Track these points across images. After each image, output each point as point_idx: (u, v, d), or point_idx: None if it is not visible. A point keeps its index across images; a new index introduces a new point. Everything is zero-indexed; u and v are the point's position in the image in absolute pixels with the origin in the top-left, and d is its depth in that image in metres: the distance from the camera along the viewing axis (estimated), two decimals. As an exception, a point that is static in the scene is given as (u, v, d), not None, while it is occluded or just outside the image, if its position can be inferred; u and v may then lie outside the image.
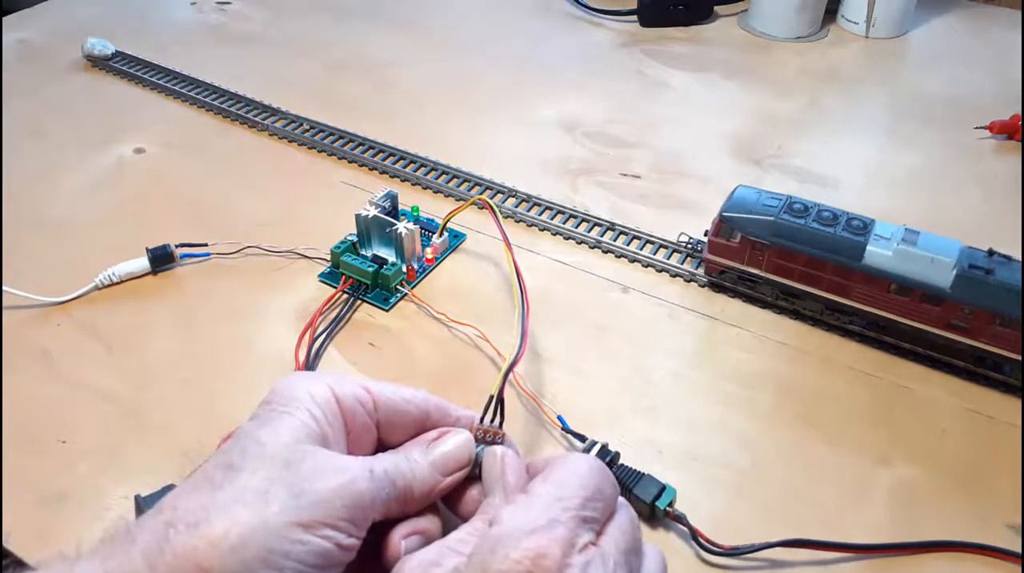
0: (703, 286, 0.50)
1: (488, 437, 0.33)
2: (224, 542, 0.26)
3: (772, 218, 0.47)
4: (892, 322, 0.46)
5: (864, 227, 0.46)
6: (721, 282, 0.50)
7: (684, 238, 0.53)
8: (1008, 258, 0.44)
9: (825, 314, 0.48)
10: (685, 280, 0.51)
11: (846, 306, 0.47)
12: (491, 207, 0.46)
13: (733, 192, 0.49)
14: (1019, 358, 0.43)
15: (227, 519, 0.26)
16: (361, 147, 0.62)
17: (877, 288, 0.45)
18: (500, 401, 0.34)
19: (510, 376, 0.35)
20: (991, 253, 0.44)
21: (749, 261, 0.48)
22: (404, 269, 0.50)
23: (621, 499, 0.30)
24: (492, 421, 0.34)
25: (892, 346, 0.46)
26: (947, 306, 0.44)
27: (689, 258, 0.53)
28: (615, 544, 0.28)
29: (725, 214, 0.48)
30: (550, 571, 0.26)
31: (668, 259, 0.52)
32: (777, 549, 0.36)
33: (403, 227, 0.49)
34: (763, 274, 0.48)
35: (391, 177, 0.60)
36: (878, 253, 0.45)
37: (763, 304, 0.50)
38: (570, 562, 0.26)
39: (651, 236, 0.54)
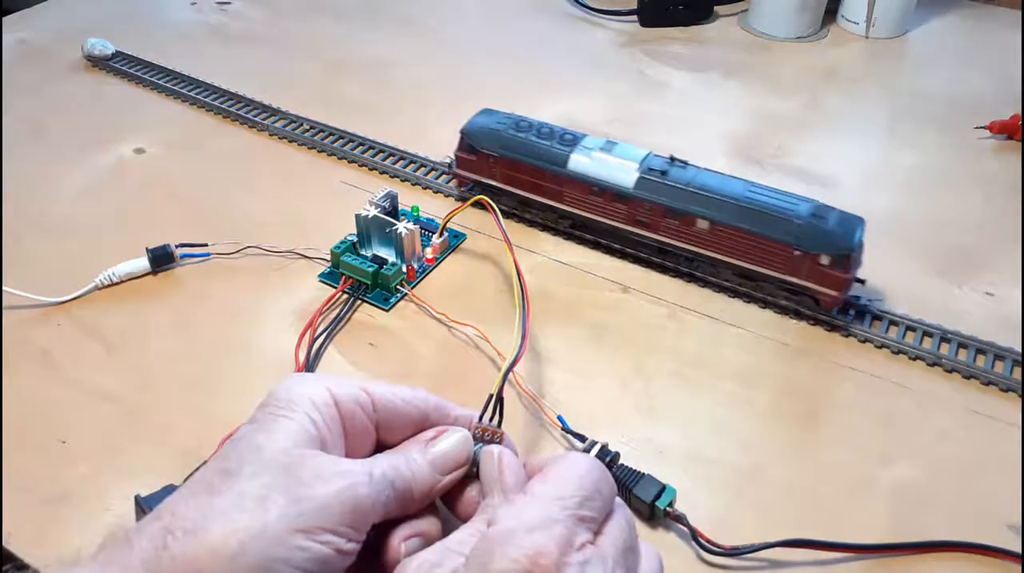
0: (660, 271, 0.50)
1: (487, 436, 0.33)
2: (223, 549, 0.26)
3: (501, 133, 0.53)
4: (594, 221, 0.52)
5: (574, 140, 0.52)
6: (469, 196, 0.54)
7: (447, 159, 0.58)
8: (685, 163, 0.50)
9: (553, 220, 0.54)
10: (685, 280, 0.51)
11: (562, 210, 0.53)
12: (491, 207, 0.46)
13: (476, 114, 0.56)
14: (700, 250, 0.49)
15: (226, 526, 0.26)
16: (361, 147, 0.62)
17: (581, 191, 0.51)
18: (499, 400, 0.34)
19: (510, 376, 0.35)
20: (672, 159, 0.50)
21: (487, 173, 0.55)
22: (404, 269, 0.50)
23: (617, 499, 0.31)
24: (491, 420, 0.34)
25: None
26: (632, 204, 0.50)
27: (444, 175, 0.59)
28: (613, 543, 0.28)
29: (464, 130, 0.55)
30: (548, 570, 0.26)
31: (668, 259, 0.52)
32: (777, 549, 0.36)
33: (403, 227, 0.49)
34: (499, 185, 0.55)
35: (391, 177, 0.60)
36: (579, 160, 0.51)
37: (512, 216, 0.55)
38: (568, 561, 0.26)
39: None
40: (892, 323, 0.47)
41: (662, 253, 0.51)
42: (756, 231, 0.47)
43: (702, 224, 0.48)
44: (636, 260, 0.52)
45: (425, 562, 0.28)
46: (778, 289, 0.48)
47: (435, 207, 0.56)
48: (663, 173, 0.49)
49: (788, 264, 0.47)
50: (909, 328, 0.47)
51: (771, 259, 0.47)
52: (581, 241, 0.54)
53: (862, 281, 0.49)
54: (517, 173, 0.53)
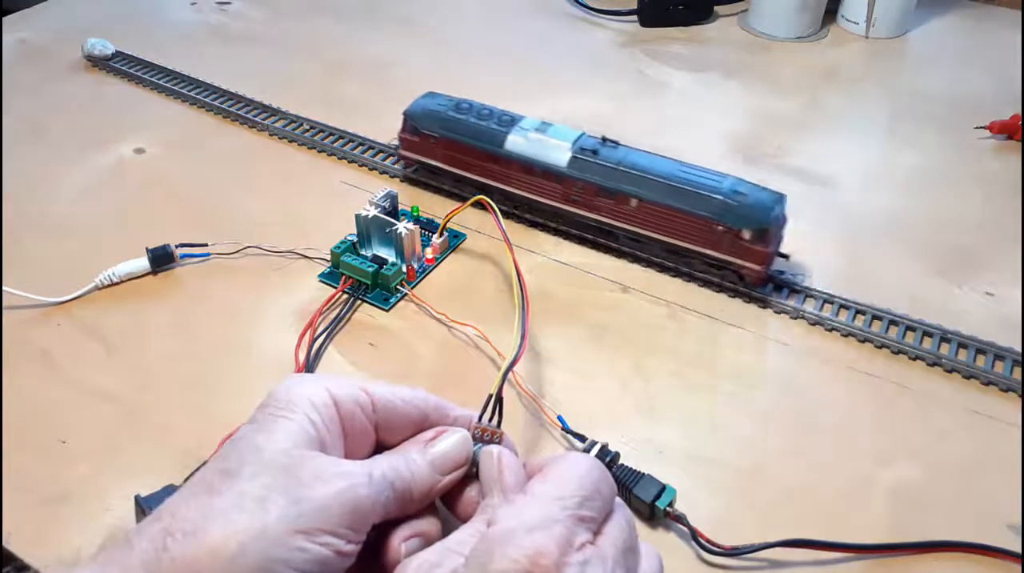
0: (660, 271, 0.50)
1: (486, 436, 0.33)
2: (223, 550, 0.26)
3: (442, 115, 0.55)
4: (531, 200, 0.54)
5: (512, 121, 0.54)
6: (416, 177, 0.59)
7: (395, 142, 0.59)
8: (616, 143, 0.52)
9: (504, 201, 0.55)
10: (685, 280, 0.51)
11: (501, 190, 0.55)
12: (491, 207, 0.46)
13: (420, 97, 0.57)
14: (630, 227, 0.51)
15: (226, 527, 0.26)
16: (361, 147, 0.62)
17: (518, 171, 0.53)
18: (499, 400, 0.34)
19: (510, 376, 0.35)
20: (604, 140, 0.52)
21: (429, 154, 0.56)
22: (404, 269, 0.50)
23: (617, 499, 0.30)
24: (491, 420, 0.34)
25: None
26: (565, 182, 0.52)
27: (397, 160, 0.61)
28: (613, 543, 0.28)
29: (406, 112, 0.56)
30: (548, 570, 0.26)
31: (668, 259, 0.52)
32: (777, 549, 0.36)
33: (403, 227, 0.49)
34: (440, 165, 0.56)
35: (391, 177, 0.60)
36: (516, 140, 0.53)
37: (454, 196, 0.57)
38: (568, 561, 0.26)
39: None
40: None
41: (599, 231, 0.53)
42: (681, 208, 0.48)
43: (631, 202, 0.50)
44: (636, 260, 0.52)
45: (425, 562, 0.28)
46: (705, 265, 0.50)
47: (435, 207, 0.56)
48: (594, 152, 0.51)
49: (712, 239, 0.48)
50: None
51: (697, 235, 0.49)
52: (581, 241, 0.54)
53: (786, 256, 0.50)
54: (457, 153, 0.55)
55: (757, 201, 0.48)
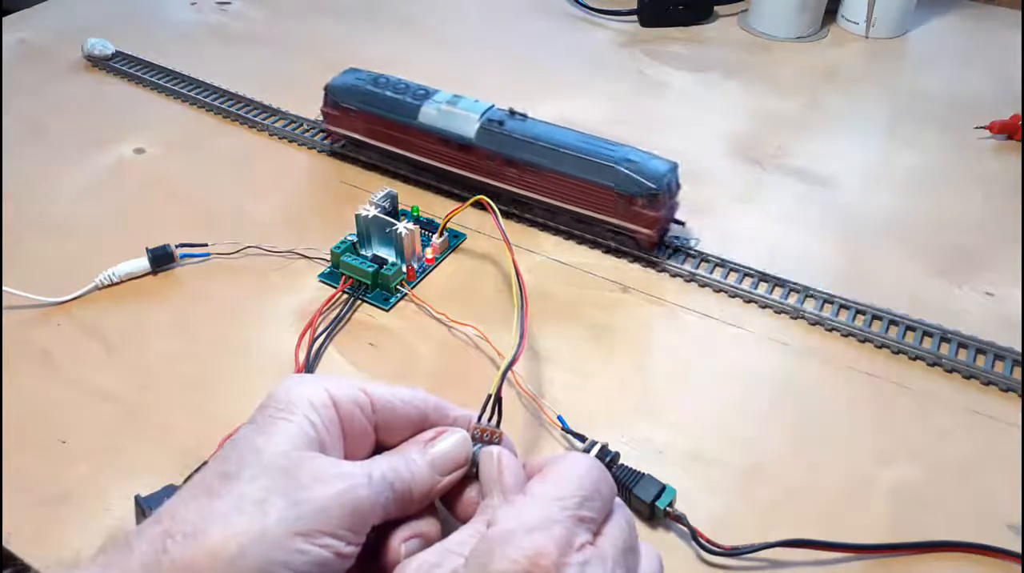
0: (660, 271, 0.50)
1: (486, 437, 0.33)
2: (223, 553, 0.26)
3: (360, 89, 0.57)
4: (444, 170, 0.56)
5: (426, 94, 0.56)
6: (344, 152, 0.61)
7: (320, 117, 0.61)
8: (524, 115, 0.54)
9: (411, 171, 0.58)
10: (685, 280, 0.51)
11: (416, 161, 0.57)
12: (491, 207, 0.46)
13: (341, 72, 0.59)
14: (534, 196, 0.53)
15: (225, 529, 0.26)
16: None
17: (430, 141, 0.55)
18: (498, 400, 0.34)
19: (510, 376, 0.35)
20: (512, 112, 0.54)
21: (350, 127, 0.58)
22: (404, 269, 0.50)
23: (617, 499, 0.30)
24: (490, 420, 0.34)
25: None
26: (474, 153, 0.54)
27: (319, 133, 0.63)
28: (612, 543, 0.28)
29: (327, 86, 0.58)
30: (548, 571, 0.26)
31: (668, 259, 0.52)
32: (777, 549, 0.36)
33: (403, 227, 0.49)
34: (361, 138, 0.58)
35: (391, 177, 0.60)
36: (428, 112, 0.55)
37: (377, 169, 0.59)
38: (568, 561, 0.26)
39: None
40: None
41: (510, 202, 0.55)
42: (579, 176, 0.51)
43: (534, 171, 0.52)
44: (635, 259, 0.52)
45: (424, 563, 0.28)
46: (605, 231, 0.52)
47: (435, 207, 0.56)
48: (501, 124, 0.53)
49: (609, 206, 0.51)
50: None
51: (595, 202, 0.51)
52: (581, 241, 0.54)
53: (681, 222, 0.54)
54: (376, 126, 0.57)
55: (648, 168, 0.50)
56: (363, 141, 0.59)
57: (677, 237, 0.53)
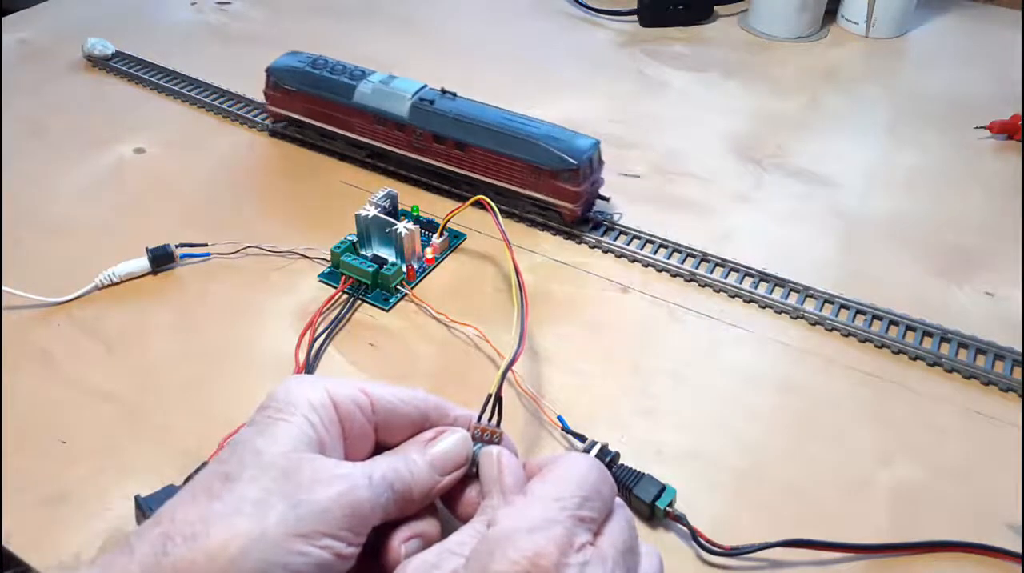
0: (660, 271, 0.50)
1: (486, 436, 0.33)
2: (222, 555, 0.26)
3: (300, 70, 0.59)
4: (379, 148, 0.58)
5: (362, 75, 0.58)
6: (284, 132, 0.63)
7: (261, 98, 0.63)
8: (454, 94, 0.55)
9: (348, 149, 0.60)
10: (685, 280, 0.51)
11: (354, 140, 0.59)
12: (491, 207, 0.46)
13: (282, 55, 0.61)
14: (464, 172, 0.55)
15: (225, 531, 0.26)
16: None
17: (366, 120, 0.57)
18: (498, 400, 0.34)
19: (510, 376, 0.35)
20: (443, 91, 0.56)
21: (290, 108, 0.60)
22: (404, 269, 0.50)
23: (617, 499, 0.30)
24: (490, 420, 0.34)
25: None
26: (406, 130, 0.56)
27: (260, 112, 0.65)
28: (612, 544, 0.28)
29: (268, 68, 0.60)
30: (548, 571, 0.26)
31: (668, 259, 0.52)
32: (777, 549, 0.36)
33: (403, 227, 0.49)
34: (301, 118, 0.60)
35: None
36: (363, 92, 0.57)
37: (317, 148, 0.61)
38: (568, 562, 0.26)
39: (651, 236, 0.53)
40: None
41: (441, 178, 0.57)
42: (504, 152, 0.53)
43: (463, 148, 0.54)
44: (634, 260, 0.52)
45: (424, 563, 0.28)
46: (531, 206, 0.54)
47: (435, 207, 0.56)
48: (432, 102, 0.55)
49: (532, 181, 0.53)
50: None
51: (520, 178, 0.53)
52: (581, 241, 0.54)
53: (606, 198, 0.55)
54: (315, 106, 0.59)
55: (570, 144, 0.52)
56: (303, 121, 0.61)
57: (601, 212, 0.55)
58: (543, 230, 0.55)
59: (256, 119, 0.65)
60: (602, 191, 0.55)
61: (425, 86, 0.56)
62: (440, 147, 0.55)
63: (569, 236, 0.54)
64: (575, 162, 0.51)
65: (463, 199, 0.53)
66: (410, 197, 0.54)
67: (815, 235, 0.55)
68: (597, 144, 0.53)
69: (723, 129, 0.66)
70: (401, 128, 0.56)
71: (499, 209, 0.52)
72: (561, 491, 0.28)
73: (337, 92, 0.57)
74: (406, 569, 0.28)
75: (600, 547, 0.28)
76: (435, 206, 0.56)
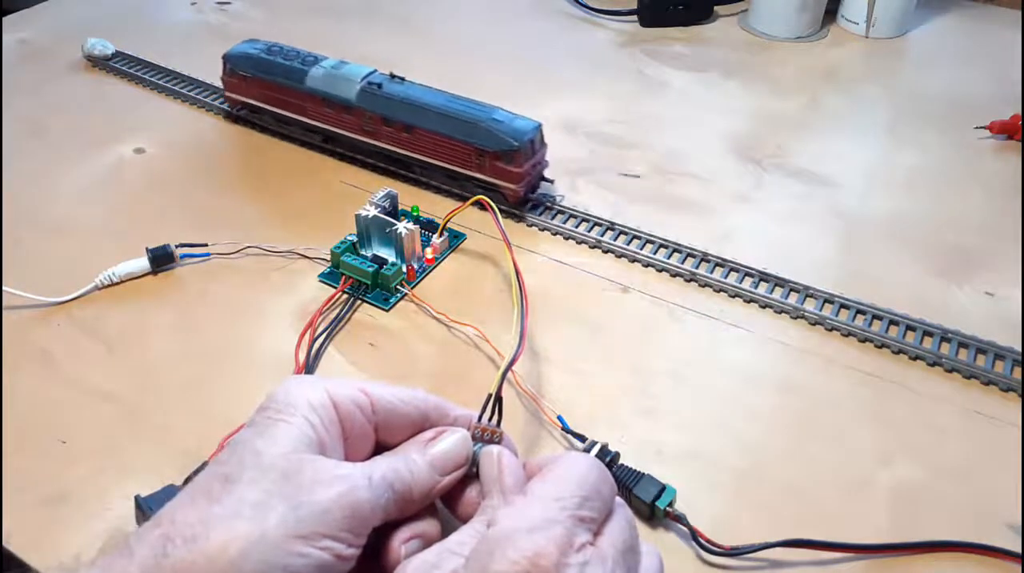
0: (660, 271, 0.51)
1: (486, 436, 0.33)
2: (222, 557, 0.26)
3: (255, 57, 0.61)
4: (331, 131, 0.60)
5: (315, 60, 0.59)
6: (245, 116, 0.65)
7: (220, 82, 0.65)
8: (402, 79, 0.57)
9: (303, 134, 0.62)
10: (685, 280, 0.51)
11: (307, 124, 0.60)
12: (491, 207, 0.46)
13: (240, 43, 0.63)
14: (412, 154, 0.57)
15: (225, 533, 0.26)
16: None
17: (318, 104, 0.59)
18: (498, 400, 0.34)
19: (509, 376, 0.35)
20: (392, 75, 0.57)
21: (247, 93, 0.62)
22: (404, 269, 0.50)
23: (618, 499, 0.30)
24: (490, 420, 0.34)
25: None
26: (356, 113, 0.57)
27: (219, 96, 0.67)
28: (613, 544, 0.28)
29: (225, 55, 0.62)
30: (548, 571, 0.26)
31: (668, 259, 0.52)
32: (777, 549, 0.36)
33: (403, 227, 0.49)
34: (258, 103, 0.62)
35: (391, 177, 0.60)
36: (315, 76, 0.58)
37: (273, 133, 0.63)
38: (568, 562, 0.26)
39: (651, 236, 0.54)
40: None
41: (391, 160, 0.59)
42: (449, 134, 0.54)
43: (410, 130, 0.56)
44: (635, 260, 0.52)
45: (424, 563, 0.28)
46: (475, 187, 0.55)
47: (435, 207, 0.56)
48: (380, 86, 0.56)
49: (477, 162, 0.54)
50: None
51: (465, 159, 0.55)
52: (581, 241, 0.54)
53: (550, 180, 0.57)
54: (270, 91, 0.61)
55: (511, 126, 0.53)
56: (259, 106, 0.62)
57: (545, 194, 0.57)
58: (482, 210, 0.55)
59: (256, 120, 0.65)
60: (547, 173, 0.57)
61: (375, 71, 0.58)
62: (388, 130, 0.57)
63: (513, 217, 0.56)
64: (516, 143, 0.53)
65: (415, 182, 0.57)
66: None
67: (815, 235, 0.55)
68: (539, 127, 0.54)
69: (723, 129, 0.66)
70: (350, 111, 0.58)
71: (445, 190, 0.56)
72: (561, 491, 0.28)
73: (289, 77, 0.59)
74: (406, 569, 0.28)
75: (600, 547, 0.28)
76: (435, 206, 0.56)
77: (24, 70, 0.73)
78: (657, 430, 0.42)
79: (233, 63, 0.62)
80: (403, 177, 0.59)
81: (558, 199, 0.57)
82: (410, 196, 0.57)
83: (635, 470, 0.38)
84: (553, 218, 0.55)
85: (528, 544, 0.26)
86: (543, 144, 0.55)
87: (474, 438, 0.33)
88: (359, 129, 0.58)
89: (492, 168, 0.54)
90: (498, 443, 0.33)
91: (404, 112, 0.55)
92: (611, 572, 0.27)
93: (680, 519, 0.37)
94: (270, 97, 0.61)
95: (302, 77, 0.59)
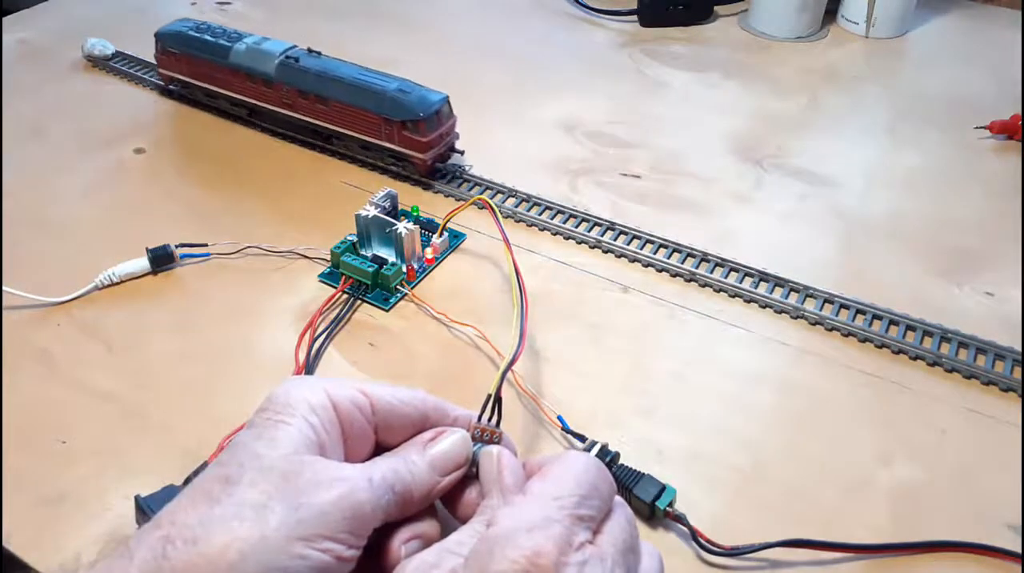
0: (660, 271, 0.50)
1: (485, 436, 0.33)
2: (222, 559, 0.25)
3: (183, 34, 0.63)
4: (254, 105, 0.62)
5: (239, 37, 0.62)
6: (179, 92, 0.68)
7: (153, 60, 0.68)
8: (319, 53, 0.60)
9: (231, 107, 0.65)
10: (685, 280, 0.51)
11: (233, 98, 0.63)
12: (491, 207, 0.46)
13: (172, 22, 0.66)
14: (328, 126, 0.59)
15: (226, 535, 0.26)
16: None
17: (241, 79, 0.61)
18: (498, 400, 0.34)
19: (510, 376, 0.35)
20: (309, 50, 0.60)
21: (177, 69, 0.65)
22: (404, 269, 0.50)
23: (618, 498, 0.30)
24: (490, 420, 0.34)
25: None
26: (275, 87, 0.60)
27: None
28: (612, 543, 0.28)
29: (156, 33, 0.65)
30: (547, 570, 0.26)
31: (668, 259, 0.52)
32: (777, 549, 0.36)
33: (403, 227, 0.49)
34: (187, 79, 0.65)
35: (391, 177, 0.60)
36: (238, 52, 0.61)
37: (204, 107, 0.66)
38: (567, 561, 0.26)
39: (651, 236, 0.53)
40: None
41: (310, 132, 0.61)
42: (359, 105, 0.57)
43: (325, 102, 0.58)
44: (635, 260, 0.52)
45: (423, 564, 0.28)
46: (388, 157, 0.58)
47: (435, 207, 0.56)
48: (297, 60, 0.59)
49: (387, 132, 0.57)
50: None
51: (375, 129, 0.57)
52: (581, 241, 0.54)
53: (460, 151, 0.59)
54: (199, 67, 0.64)
55: (417, 97, 0.56)
56: (189, 82, 0.65)
57: (456, 164, 0.59)
58: (401, 180, 0.59)
59: (255, 119, 0.65)
60: (455, 145, 0.59)
61: (294, 46, 0.60)
62: (305, 102, 0.59)
63: (423, 186, 0.59)
64: (421, 113, 0.55)
65: (334, 153, 0.61)
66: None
67: (815, 235, 0.55)
68: (445, 99, 0.57)
69: (723, 129, 0.66)
70: (270, 85, 0.60)
71: (360, 160, 0.58)
72: (559, 490, 0.28)
73: (215, 53, 0.62)
74: (405, 569, 0.28)
75: (599, 546, 0.28)
76: (435, 206, 0.56)
77: (24, 70, 0.73)
78: (657, 430, 0.42)
79: (164, 41, 0.65)
80: (404, 176, 0.59)
81: (467, 169, 0.59)
82: (412, 196, 0.57)
83: (635, 470, 0.38)
84: (459, 186, 0.58)
85: (527, 543, 0.26)
86: (451, 116, 0.58)
87: (473, 438, 0.33)
88: (279, 102, 0.61)
89: (400, 138, 0.56)
90: (497, 443, 0.33)
91: (319, 85, 0.58)
92: (610, 571, 0.27)
93: (680, 519, 0.37)
94: (199, 72, 0.64)
95: (226, 53, 0.61)
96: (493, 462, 0.31)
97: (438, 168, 0.59)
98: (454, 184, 0.58)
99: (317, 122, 0.59)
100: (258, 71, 0.60)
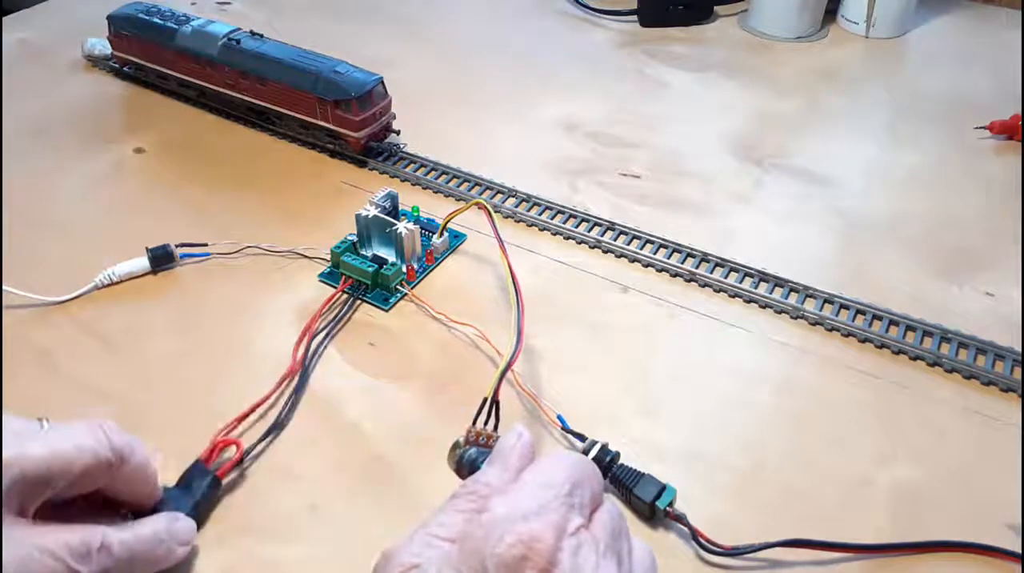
0: (660, 271, 0.50)
1: (481, 440, 0.33)
2: None
3: (134, 17, 0.66)
4: (200, 86, 0.65)
5: (186, 20, 0.64)
6: (134, 75, 0.70)
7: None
8: (261, 36, 0.62)
9: (179, 88, 0.67)
10: (685, 280, 0.51)
11: (180, 79, 0.65)
12: (487, 210, 0.46)
13: (124, 5, 0.68)
14: (268, 105, 0.61)
15: None
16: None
17: (188, 61, 0.64)
18: (495, 403, 0.34)
19: (509, 376, 0.35)
20: (252, 33, 0.62)
21: (129, 51, 0.68)
22: (404, 269, 0.50)
23: (606, 494, 0.31)
24: (486, 424, 0.34)
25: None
26: (218, 68, 0.62)
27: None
28: (603, 529, 0.29)
29: (108, 16, 0.67)
30: (543, 553, 0.26)
31: (668, 259, 0.52)
32: (777, 549, 0.36)
33: (403, 227, 0.49)
34: (140, 61, 0.67)
35: (391, 177, 0.60)
36: (183, 34, 0.63)
37: (157, 88, 0.69)
38: (562, 545, 0.27)
39: (651, 236, 0.53)
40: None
41: (253, 112, 0.63)
42: (296, 85, 0.59)
43: (264, 83, 0.61)
44: (635, 260, 0.52)
45: (410, 551, 0.28)
46: (325, 136, 0.60)
47: (435, 207, 0.56)
48: (239, 42, 0.61)
49: (322, 112, 0.59)
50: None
51: (311, 109, 0.59)
52: (581, 241, 0.54)
53: (396, 131, 0.62)
54: (149, 49, 0.66)
55: (349, 78, 0.58)
56: (142, 64, 0.67)
57: (394, 144, 0.61)
58: (337, 158, 0.61)
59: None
60: (389, 126, 0.62)
61: (237, 29, 0.63)
62: (246, 83, 0.61)
63: (358, 163, 0.61)
64: (353, 93, 0.57)
65: (276, 133, 0.63)
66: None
67: (815, 235, 0.55)
68: (379, 79, 0.59)
69: (723, 129, 0.66)
70: (214, 67, 0.62)
71: (298, 139, 0.62)
72: (552, 478, 0.29)
73: (163, 35, 0.64)
74: (390, 555, 0.28)
75: (592, 532, 0.28)
76: (436, 206, 0.56)
77: (24, 70, 0.73)
78: (657, 430, 0.42)
79: (116, 24, 0.67)
80: (403, 177, 0.59)
81: (402, 147, 0.61)
82: (412, 196, 0.58)
83: (635, 470, 0.38)
84: (394, 164, 0.60)
85: (524, 528, 0.27)
86: (385, 96, 0.60)
87: (469, 442, 0.33)
88: (223, 83, 0.63)
89: (335, 117, 0.58)
90: (492, 448, 0.33)
91: (258, 65, 0.60)
92: (603, 554, 0.28)
93: (680, 519, 0.37)
94: (149, 54, 0.66)
95: (173, 35, 0.63)
96: (514, 440, 0.31)
97: (373, 146, 0.60)
98: (389, 162, 0.60)
99: (258, 102, 0.62)
100: (203, 53, 0.62)
